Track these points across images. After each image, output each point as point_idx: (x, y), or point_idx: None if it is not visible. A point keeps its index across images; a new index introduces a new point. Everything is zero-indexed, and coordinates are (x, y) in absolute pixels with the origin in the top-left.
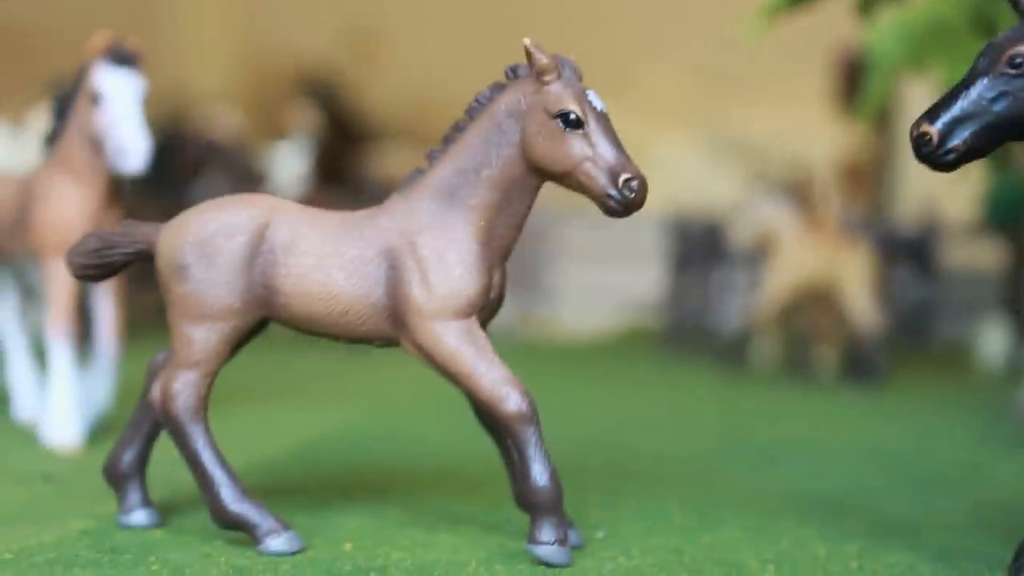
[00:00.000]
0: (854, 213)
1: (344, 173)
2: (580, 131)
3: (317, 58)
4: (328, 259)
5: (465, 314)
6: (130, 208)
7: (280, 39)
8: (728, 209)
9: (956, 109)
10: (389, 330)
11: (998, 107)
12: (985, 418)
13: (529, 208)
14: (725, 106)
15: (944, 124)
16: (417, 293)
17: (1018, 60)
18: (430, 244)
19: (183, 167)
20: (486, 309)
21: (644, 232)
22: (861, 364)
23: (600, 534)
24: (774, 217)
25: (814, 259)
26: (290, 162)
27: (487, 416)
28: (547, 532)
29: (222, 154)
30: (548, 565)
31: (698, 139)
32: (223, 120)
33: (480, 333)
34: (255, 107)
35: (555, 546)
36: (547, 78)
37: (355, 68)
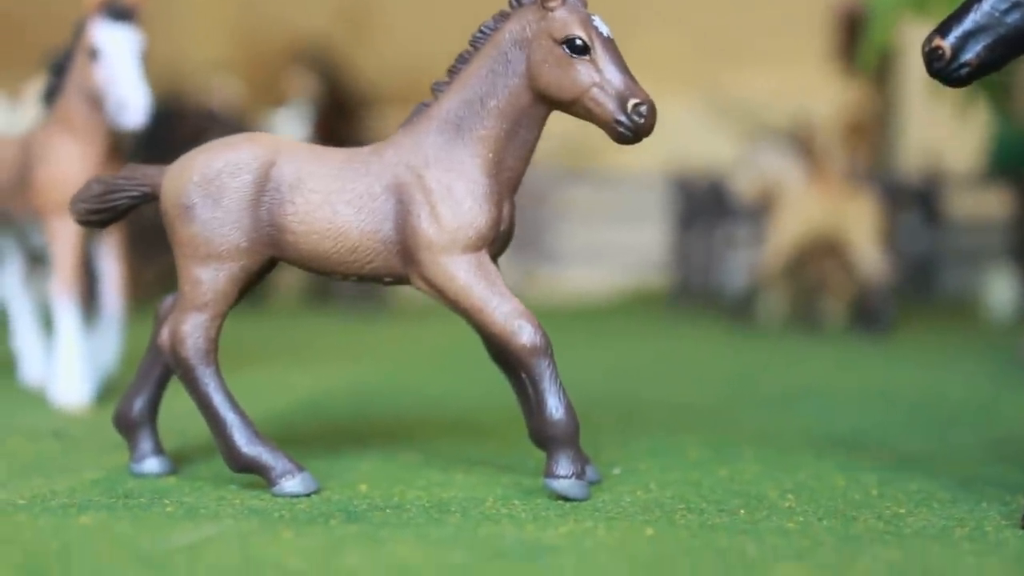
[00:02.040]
0: (858, 166)
1: (342, 140)
2: (587, 57)
3: (311, 29)
4: (335, 195)
5: (476, 247)
6: None
7: (275, 10)
8: (731, 166)
9: (968, 22)
10: (399, 266)
11: (1012, 18)
12: (993, 363)
13: (537, 138)
14: (724, 67)
15: (956, 38)
16: (426, 227)
17: None
18: (438, 177)
19: (183, 136)
20: (497, 242)
21: (649, 191)
22: (869, 314)
23: (616, 471)
24: (778, 169)
25: (819, 210)
26: (290, 128)
27: (500, 352)
28: (564, 466)
29: (221, 123)
30: (566, 499)
31: (698, 101)
32: (222, 89)
33: (491, 267)
34: (252, 77)
35: (572, 479)
36: (551, 4)
37: (349, 39)
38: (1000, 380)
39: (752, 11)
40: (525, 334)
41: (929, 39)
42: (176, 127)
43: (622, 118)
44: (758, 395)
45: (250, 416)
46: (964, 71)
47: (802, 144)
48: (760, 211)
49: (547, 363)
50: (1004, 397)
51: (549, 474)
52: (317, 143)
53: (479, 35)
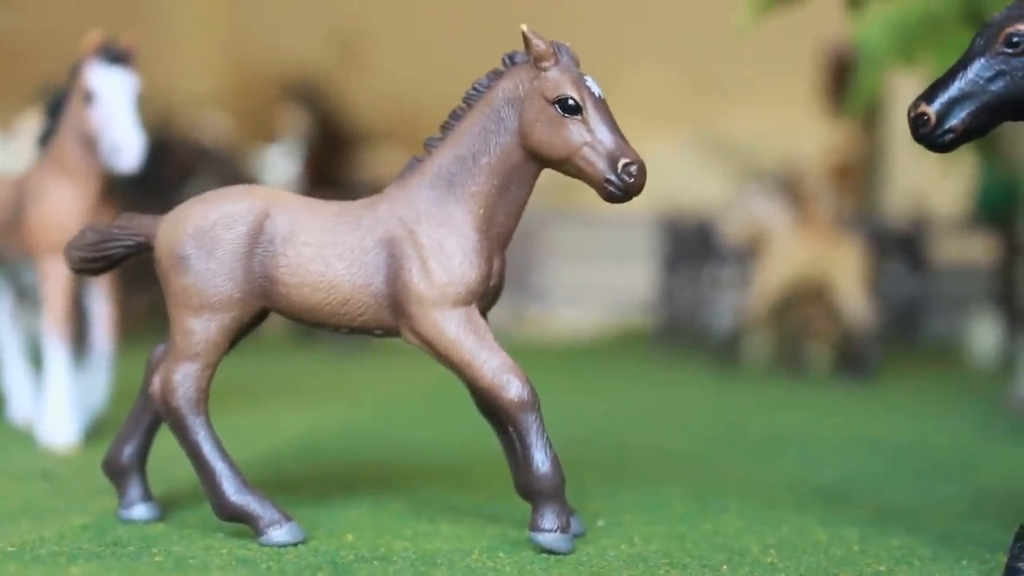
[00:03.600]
0: (844, 210)
1: (333, 176)
2: (578, 117)
3: (304, 62)
4: (327, 248)
5: (465, 302)
6: (121, 211)
7: (267, 43)
8: (719, 207)
9: (953, 89)
10: (389, 319)
11: (995, 87)
12: (979, 410)
13: (528, 195)
14: (713, 106)
15: (942, 104)
16: (417, 281)
17: (1016, 39)
18: (429, 232)
19: (173, 171)
20: (486, 297)
21: (636, 231)
22: (853, 359)
23: (601, 523)
24: (765, 214)
25: (806, 255)
26: (280, 165)
27: (488, 405)
28: (549, 519)
29: (211, 158)
30: (551, 552)
31: (686, 139)
32: (212, 124)
33: (480, 321)
34: (244, 111)
35: (557, 533)
36: (545, 64)
37: (342, 71)
38: (983, 429)
39: (742, 50)
40: (513, 388)
41: (915, 105)
42: (165, 162)
43: (612, 177)
44: (742, 442)
45: (238, 462)
46: (948, 137)
47: (790, 188)
48: (747, 254)
49: (534, 417)
50: (986, 447)
51: (535, 527)
52: (308, 179)
53: (472, 92)
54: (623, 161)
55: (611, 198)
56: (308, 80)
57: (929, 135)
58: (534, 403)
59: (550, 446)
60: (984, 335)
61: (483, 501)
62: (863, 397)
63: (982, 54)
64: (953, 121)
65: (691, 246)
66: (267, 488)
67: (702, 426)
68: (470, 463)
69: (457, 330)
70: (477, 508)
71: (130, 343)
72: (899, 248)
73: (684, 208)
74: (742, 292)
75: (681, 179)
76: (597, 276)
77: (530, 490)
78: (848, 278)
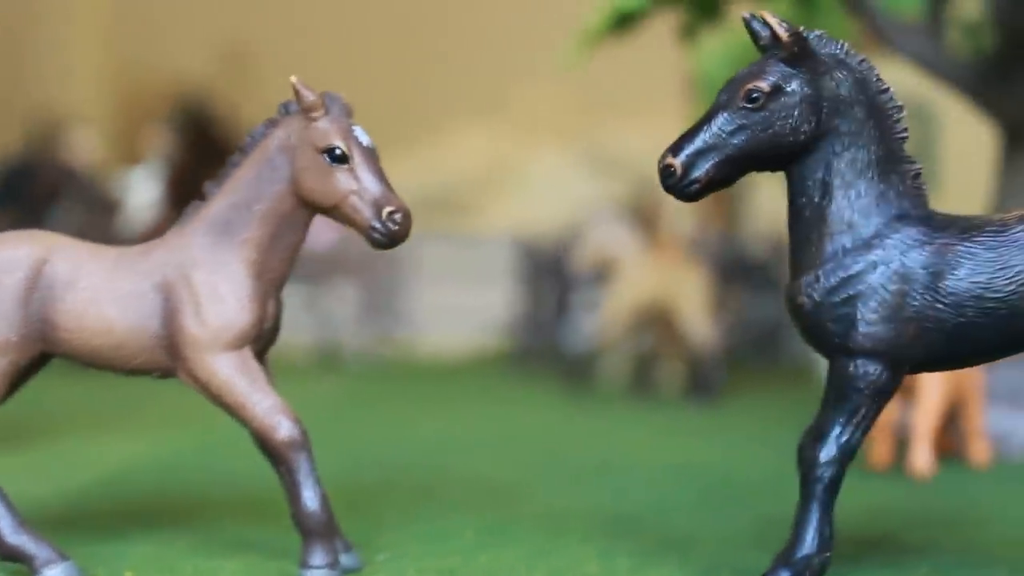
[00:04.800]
0: (709, 233)
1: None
2: (345, 166)
3: (193, 76)
4: (104, 294)
5: (237, 345)
6: None
7: (155, 59)
8: (570, 232)
9: (698, 142)
10: (166, 362)
11: (736, 140)
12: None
13: (302, 240)
14: (602, 122)
15: (687, 156)
16: (191, 325)
17: (755, 95)
18: (204, 278)
19: (38, 192)
20: (261, 340)
21: (498, 253)
22: (699, 382)
23: (381, 557)
24: (614, 240)
25: (651, 280)
26: (143, 188)
27: (261, 445)
28: (318, 556)
29: (77, 181)
30: None
31: (572, 156)
32: (82, 144)
33: (253, 364)
34: (127, 129)
35: (325, 570)
36: (314, 115)
37: (232, 85)
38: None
39: (631, 67)
40: (283, 429)
41: (663, 156)
42: (32, 182)
43: (377, 224)
44: (563, 468)
45: (35, 497)
46: (694, 188)
47: (643, 213)
48: (600, 278)
49: (304, 456)
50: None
51: (304, 564)
52: (173, 201)
53: (248, 140)
54: (388, 209)
55: (377, 245)
56: (193, 97)
57: (676, 185)
58: (303, 443)
59: (318, 484)
60: None
61: (275, 535)
62: (706, 420)
63: (725, 108)
64: (698, 172)
65: (548, 268)
66: (57, 523)
67: (531, 451)
68: (271, 495)
69: (230, 372)
70: (267, 543)
71: None
72: (756, 272)
73: (568, 222)
74: (596, 316)
75: (570, 194)
76: (462, 298)
77: (300, 527)
78: (692, 302)
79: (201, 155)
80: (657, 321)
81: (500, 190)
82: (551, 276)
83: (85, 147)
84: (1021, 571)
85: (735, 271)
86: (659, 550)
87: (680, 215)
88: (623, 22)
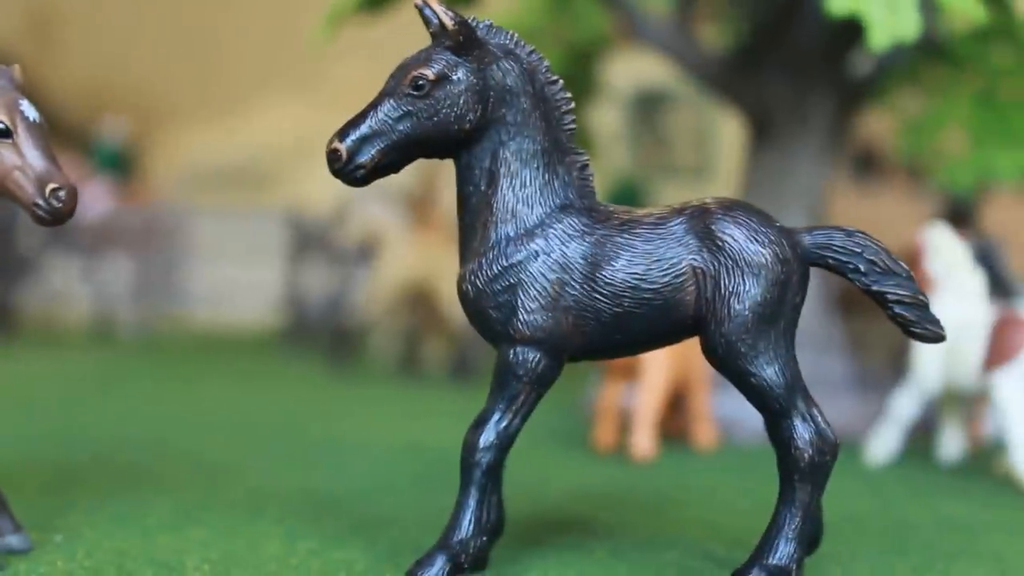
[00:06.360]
0: None
1: None
2: (9, 140)
3: None
4: None
5: None
6: None
7: None
8: (337, 208)
9: (365, 128)
10: None
11: (402, 127)
12: (559, 415)
13: None
14: None
15: (352, 141)
16: None
17: (420, 82)
18: None
19: None
20: None
21: (273, 228)
22: (459, 362)
23: (58, 538)
24: (379, 217)
25: (413, 258)
26: None
27: None
28: None
29: None
30: None
31: None
32: None
33: None
34: None
35: None
36: None
37: (35, 55)
38: (553, 431)
39: None
40: None
41: (330, 141)
42: None
43: (40, 201)
44: (293, 448)
45: None
46: (360, 172)
47: (416, 192)
48: (368, 254)
49: None
50: (537, 450)
51: None
52: None
53: None
54: (51, 186)
55: (40, 222)
56: None
57: (342, 170)
58: None
59: None
60: None
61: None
62: (465, 400)
63: (392, 95)
64: (363, 158)
65: (317, 243)
66: None
67: (264, 431)
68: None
69: None
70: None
71: None
72: None
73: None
74: (362, 292)
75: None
76: (238, 273)
77: None
78: (451, 283)
79: None
80: (420, 300)
81: (311, 166)
82: (318, 251)
83: None
84: (693, 553)
85: None
86: (349, 532)
87: (440, 195)
88: (374, 1)
